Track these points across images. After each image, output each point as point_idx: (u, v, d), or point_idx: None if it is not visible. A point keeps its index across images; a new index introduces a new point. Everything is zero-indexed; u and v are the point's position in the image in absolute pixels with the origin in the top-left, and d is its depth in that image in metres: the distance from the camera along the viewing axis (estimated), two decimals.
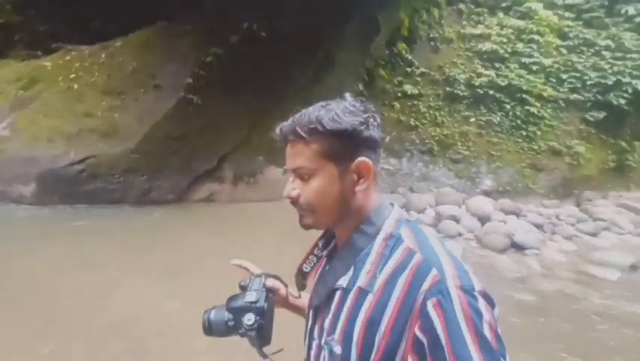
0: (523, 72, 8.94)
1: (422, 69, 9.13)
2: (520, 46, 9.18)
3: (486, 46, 9.14)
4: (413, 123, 8.73)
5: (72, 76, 5.81)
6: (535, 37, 9.19)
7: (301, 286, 0.75)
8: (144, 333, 2.65)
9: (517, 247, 5.37)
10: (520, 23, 9.38)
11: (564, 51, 9.29)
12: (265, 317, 0.72)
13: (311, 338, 0.69)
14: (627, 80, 8.54)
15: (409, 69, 9.11)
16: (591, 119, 8.85)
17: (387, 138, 8.63)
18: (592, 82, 8.80)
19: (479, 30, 9.43)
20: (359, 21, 6.60)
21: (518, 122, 8.72)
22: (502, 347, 0.51)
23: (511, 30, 9.36)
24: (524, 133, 8.67)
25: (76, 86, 5.71)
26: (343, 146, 0.61)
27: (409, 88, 8.91)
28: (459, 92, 8.86)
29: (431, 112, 8.88)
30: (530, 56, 9.08)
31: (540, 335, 3.10)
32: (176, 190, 6.07)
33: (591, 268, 4.81)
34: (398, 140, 8.71)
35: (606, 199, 8.36)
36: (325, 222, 0.66)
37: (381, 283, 0.58)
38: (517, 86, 8.75)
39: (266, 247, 4.09)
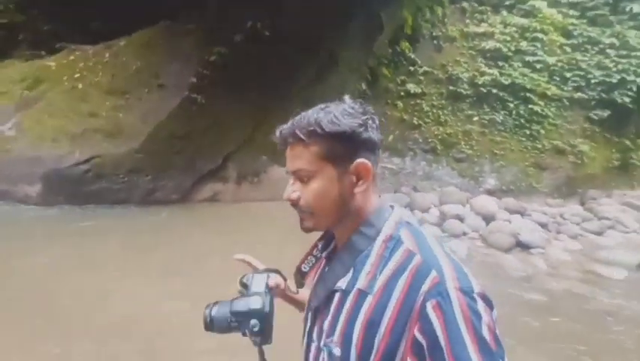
0: (526, 71, 8.90)
1: (425, 68, 9.10)
2: (523, 44, 9.13)
3: (489, 44, 9.10)
4: (416, 122, 8.70)
5: (76, 76, 5.82)
6: (539, 35, 9.14)
7: (300, 285, 0.76)
8: (144, 333, 2.65)
9: (523, 246, 5.35)
10: (524, 21, 9.34)
11: (568, 49, 9.24)
12: (269, 320, 0.73)
13: (310, 340, 0.69)
14: (632, 78, 8.50)
15: (412, 68, 9.08)
16: (595, 117, 8.81)
17: (391, 137, 8.61)
18: (596, 80, 8.76)
19: (482, 28, 9.38)
20: (362, 20, 6.59)
21: (522, 121, 8.68)
22: (500, 348, 0.52)
23: (514, 28, 9.31)
24: (528, 132, 8.64)
25: (80, 86, 5.73)
26: (342, 148, 0.61)
27: (412, 87, 8.88)
28: (462, 90, 8.83)
29: (434, 111, 8.85)
30: (534, 54, 9.03)
31: (551, 335, 3.08)
32: (180, 190, 6.08)
33: (597, 267, 4.79)
34: (401, 139, 8.69)
35: (610, 198, 8.30)
36: (325, 224, 0.67)
37: (380, 285, 0.58)
38: (520, 85, 8.71)
39: (269, 246, 4.09)
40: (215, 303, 0.76)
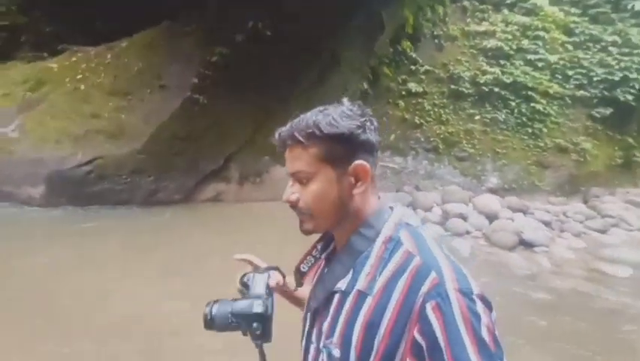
0: (528, 69, 8.87)
1: (426, 67, 9.08)
2: (525, 42, 9.10)
3: (491, 43, 9.07)
4: (418, 121, 8.69)
5: (78, 77, 5.83)
6: (541, 33, 9.12)
7: (298, 284, 0.77)
8: (144, 333, 2.65)
9: (526, 245, 5.33)
10: (526, 20, 9.31)
11: (570, 47, 9.20)
12: (270, 322, 0.74)
13: (309, 342, 0.70)
14: (634, 75, 8.46)
15: (413, 67, 9.06)
16: (598, 115, 8.77)
17: (392, 137, 8.60)
18: (598, 78, 8.73)
19: (484, 27, 9.36)
20: (363, 20, 6.58)
21: (524, 119, 8.65)
22: (499, 349, 0.52)
23: (516, 27, 9.28)
24: (530, 130, 8.61)
25: (82, 87, 5.74)
26: (340, 149, 0.62)
27: (413, 86, 8.87)
28: (464, 89, 8.81)
29: (436, 110, 8.83)
30: (536, 52, 9.00)
31: (559, 335, 3.07)
32: (182, 190, 6.08)
33: (602, 265, 4.77)
34: (403, 138, 8.68)
35: (613, 196, 8.28)
36: (324, 226, 0.67)
37: (380, 286, 0.59)
38: (522, 83, 8.68)
39: (270, 246, 4.09)
40: (216, 301, 0.76)
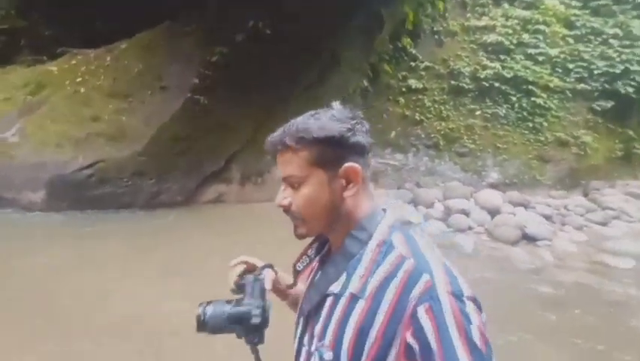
0: (529, 63, 8.84)
1: (426, 63, 9.05)
2: (525, 37, 9.06)
3: (491, 38, 9.03)
4: (418, 118, 8.67)
5: (78, 80, 5.81)
6: (541, 27, 9.07)
7: (294, 282, 0.77)
8: (144, 333, 2.66)
9: (529, 239, 5.36)
10: (526, 14, 9.25)
11: (571, 41, 9.16)
12: (266, 327, 0.72)
13: (300, 345, 0.70)
14: (635, 68, 8.44)
15: (413, 63, 9.03)
16: (598, 108, 8.76)
17: (393, 133, 8.60)
18: (599, 71, 8.70)
19: (484, 22, 9.31)
20: (363, 18, 6.54)
21: (524, 113, 8.64)
22: (490, 351, 0.53)
23: (516, 21, 9.23)
24: (530, 125, 8.60)
25: (83, 90, 5.72)
26: (331, 152, 0.62)
27: (413, 82, 8.84)
28: (464, 85, 8.79)
29: (436, 106, 8.82)
30: (536, 46, 8.96)
31: (568, 329, 3.08)
32: (184, 192, 6.08)
33: (605, 258, 4.80)
34: (403, 135, 8.67)
35: (614, 188, 8.29)
36: (317, 229, 0.68)
37: (372, 289, 0.59)
38: (523, 78, 8.66)
39: (269, 246, 4.07)
40: (210, 302, 0.73)
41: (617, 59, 8.61)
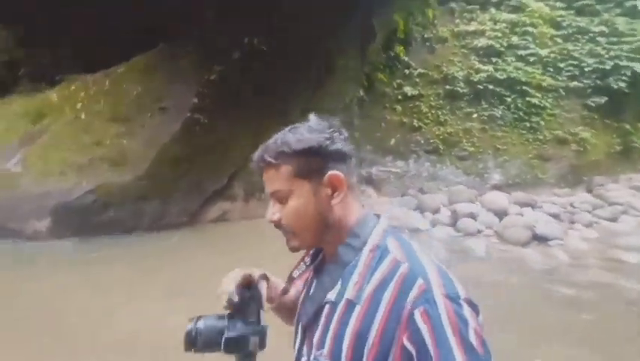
0: (520, 64, 9.00)
1: (420, 70, 9.19)
2: (515, 39, 9.26)
3: (481, 42, 9.22)
4: (416, 124, 8.73)
5: (78, 106, 5.83)
6: (529, 29, 9.28)
7: (288, 288, 0.79)
8: (149, 348, 2.65)
9: (540, 239, 5.30)
10: (513, 17, 9.49)
11: (559, 40, 9.37)
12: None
13: (300, 355, 0.70)
14: (625, 63, 8.60)
15: (407, 71, 9.16)
16: (593, 104, 8.87)
17: (392, 141, 8.63)
18: (590, 68, 8.86)
19: (473, 27, 9.53)
20: (356, 29, 6.67)
21: (520, 114, 8.73)
22: (487, 353, 0.53)
23: (504, 24, 9.46)
24: (528, 124, 8.68)
25: (83, 116, 5.73)
26: (312, 163, 0.63)
27: (408, 90, 8.95)
28: (459, 89, 8.90)
29: (433, 112, 8.90)
30: (526, 47, 9.15)
31: (590, 330, 3.00)
32: (187, 213, 6.02)
33: (618, 254, 4.75)
34: (403, 142, 8.71)
35: (617, 183, 8.30)
36: (309, 241, 0.68)
37: (368, 295, 0.59)
38: (516, 79, 8.79)
39: (273, 260, 4.01)
40: (199, 318, 0.71)
41: (606, 56, 8.79)
